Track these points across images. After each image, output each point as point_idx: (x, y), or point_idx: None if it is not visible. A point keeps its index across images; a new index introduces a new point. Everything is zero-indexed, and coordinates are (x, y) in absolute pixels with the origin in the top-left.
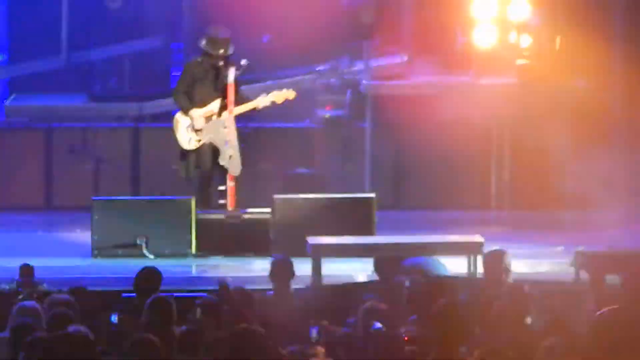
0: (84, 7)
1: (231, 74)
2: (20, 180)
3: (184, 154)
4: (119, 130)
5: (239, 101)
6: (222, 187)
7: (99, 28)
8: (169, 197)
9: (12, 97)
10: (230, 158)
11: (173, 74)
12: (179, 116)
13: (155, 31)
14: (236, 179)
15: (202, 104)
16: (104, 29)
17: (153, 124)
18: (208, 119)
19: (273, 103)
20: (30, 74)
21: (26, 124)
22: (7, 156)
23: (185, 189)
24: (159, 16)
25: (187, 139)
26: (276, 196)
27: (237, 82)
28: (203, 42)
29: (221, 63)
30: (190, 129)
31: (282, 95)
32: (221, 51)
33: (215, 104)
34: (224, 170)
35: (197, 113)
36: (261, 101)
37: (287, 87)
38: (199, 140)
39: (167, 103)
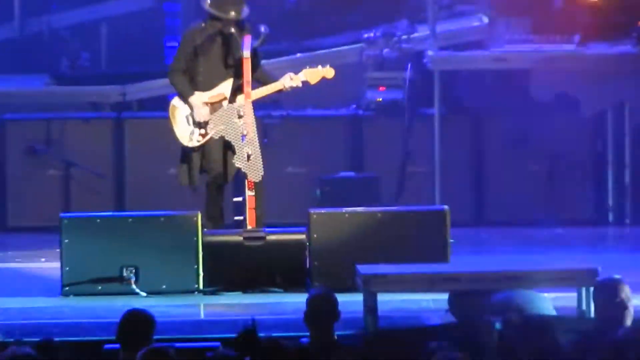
0: None
1: (247, 44)
2: None
3: (185, 153)
4: (95, 122)
5: (258, 81)
6: (238, 198)
7: None
8: (166, 213)
9: None
10: (249, 158)
11: (167, 45)
12: (176, 102)
13: None
14: (257, 187)
15: (208, 85)
16: None
17: (141, 114)
18: (216, 106)
19: (305, 84)
20: None
21: None
22: None
23: (187, 201)
24: None
25: (187, 134)
26: (312, 210)
27: (256, 56)
28: (207, 2)
29: (233, 30)
30: (192, 119)
31: (316, 73)
32: (232, 14)
33: (226, 86)
34: (240, 175)
35: (200, 99)
36: (289, 81)
37: (324, 62)
38: (204, 135)
39: (159, 85)
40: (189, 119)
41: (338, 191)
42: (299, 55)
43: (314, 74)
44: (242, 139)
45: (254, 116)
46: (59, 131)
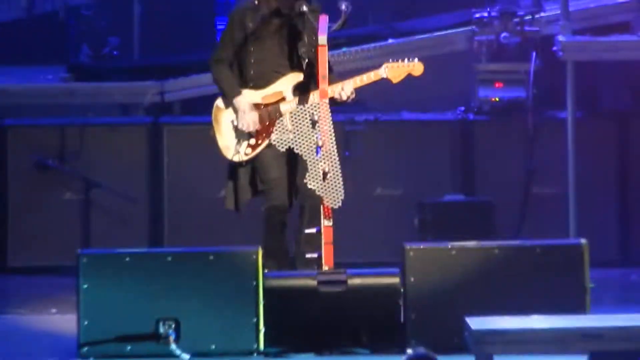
0: None
1: (323, 27)
2: None
3: (232, 169)
4: (125, 129)
5: (333, 77)
6: (310, 230)
7: None
8: (217, 249)
9: None
10: (326, 177)
11: (219, 28)
12: (221, 103)
13: None
14: (335, 214)
15: (263, 81)
16: None
17: (184, 119)
18: (271, 109)
19: (389, 80)
20: None
21: None
22: None
23: (243, 232)
24: None
25: (233, 144)
26: (408, 244)
27: (330, 44)
28: None
29: (298, 9)
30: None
31: (399, 69)
32: None
33: (285, 82)
34: (312, 200)
35: (249, 99)
36: (370, 76)
37: (421, 50)
38: (255, 146)
39: (208, 81)
40: (235, 126)
41: (442, 220)
42: (390, 41)
43: (396, 70)
44: (317, 152)
45: (331, 121)
46: (78, 141)
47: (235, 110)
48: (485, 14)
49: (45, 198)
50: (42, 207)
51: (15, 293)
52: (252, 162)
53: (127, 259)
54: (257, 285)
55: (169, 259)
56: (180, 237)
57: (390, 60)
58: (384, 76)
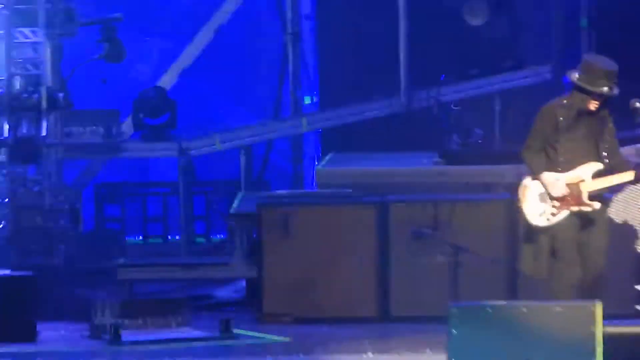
0: (426, 29)
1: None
2: (339, 278)
3: (530, 233)
4: (487, 205)
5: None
6: None
7: (455, 57)
8: (561, 302)
9: (327, 156)
10: None
11: None
12: (528, 182)
13: (538, 58)
14: None
15: (569, 166)
16: (461, 58)
17: None
18: (573, 186)
19: None
20: (351, 124)
21: (349, 198)
22: (321, 243)
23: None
24: (543, 40)
25: (537, 211)
26: None
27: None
28: (576, 75)
29: (601, 107)
30: (544, 197)
31: None
32: (605, 89)
33: (587, 170)
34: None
35: (553, 177)
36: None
37: None
38: (558, 213)
39: None
40: (541, 197)
41: None
42: None
43: None
44: None
45: None
46: (448, 214)
47: (544, 185)
48: None
49: (421, 260)
50: (418, 268)
51: (396, 336)
52: (552, 228)
53: (489, 310)
54: (594, 334)
55: (524, 310)
56: (531, 292)
57: None
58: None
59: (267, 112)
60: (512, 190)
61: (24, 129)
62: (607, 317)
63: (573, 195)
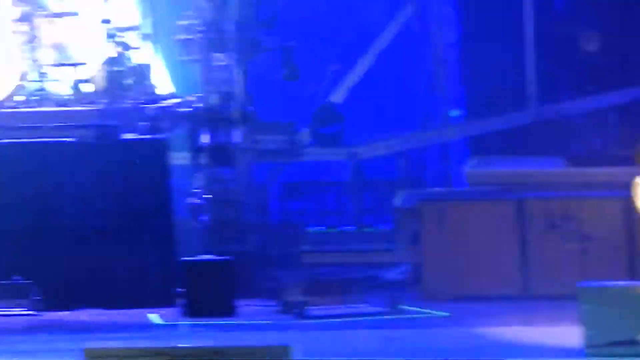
0: (554, 52)
1: None
2: (487, 262)
3: None
4: (608, 201)
5: None
6: None
7: (575, 75)
8: None
9: (473, 160)
10: None
11: None
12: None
13: None
14: None
15: None
16: (580, 77)
17: None
18: None
19: None
20: (491, 133)
21: (493, 194)
22: (472, 232)
23: None
24: None
25: None
26: None
27: None
28: None
29: None
30: None
31: None
32: None
33: None
34: None
35: None
36: None
37: None
38: None
39: None
40: None
41: None
42: None
43: None
44: None
45: None
46: (576, 208)
47: None
48: None
49: (554, 247)
50: (551, 253)
51: (536, 312)
52: None
53: (612, 289)
54: None
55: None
56: None
57: None
58: None
59: (416, 123)
60: (628, 188)
61: (219, 137)
62: None
63: None
